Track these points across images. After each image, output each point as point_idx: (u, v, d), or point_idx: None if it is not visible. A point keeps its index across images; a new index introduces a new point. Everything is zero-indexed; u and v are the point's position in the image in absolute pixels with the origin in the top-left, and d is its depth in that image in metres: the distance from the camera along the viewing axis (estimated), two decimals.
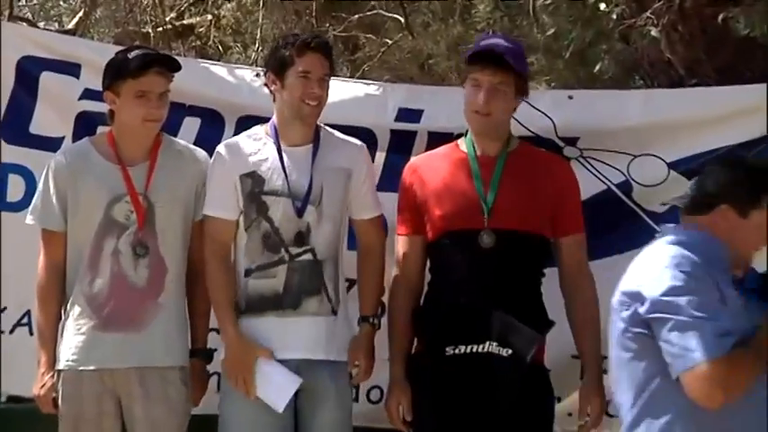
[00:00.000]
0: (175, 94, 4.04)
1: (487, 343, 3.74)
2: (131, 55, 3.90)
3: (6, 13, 8.48)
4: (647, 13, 5.68)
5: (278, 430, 3.84)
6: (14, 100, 4.43)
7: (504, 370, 3.74)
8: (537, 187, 3.90)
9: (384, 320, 4.03)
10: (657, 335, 2.97)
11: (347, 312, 3.98)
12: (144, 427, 3.87)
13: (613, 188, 4.44)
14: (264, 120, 4.04)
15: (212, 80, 4.56)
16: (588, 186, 4.30)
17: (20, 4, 10.29)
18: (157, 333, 3.88)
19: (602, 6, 6.01)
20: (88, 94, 4.39)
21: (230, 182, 3.91)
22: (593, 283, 3.95)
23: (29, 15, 10.67)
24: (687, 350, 2.89)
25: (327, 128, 4.02)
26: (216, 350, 4.01)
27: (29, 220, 4.02)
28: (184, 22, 10.39)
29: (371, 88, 4.64)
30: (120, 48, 4.19)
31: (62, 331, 3.93)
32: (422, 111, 4.48)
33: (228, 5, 10.20)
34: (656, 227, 4.33)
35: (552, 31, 6.58)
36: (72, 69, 4.46)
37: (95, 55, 4.40)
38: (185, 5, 10.45)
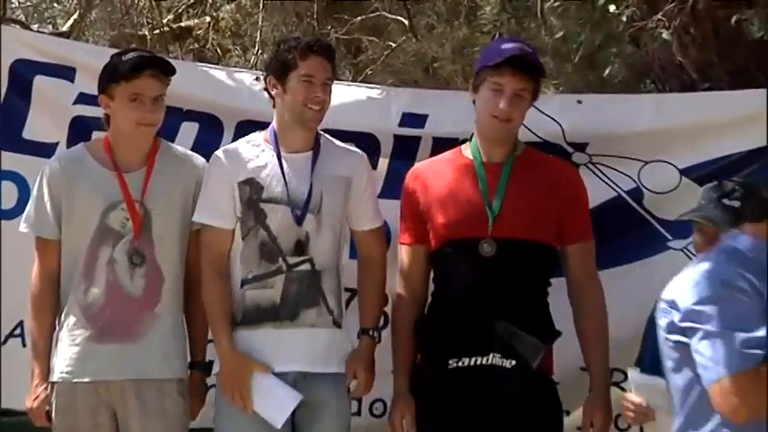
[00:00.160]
0: (173, 99, 4.00)
1: (491, 355, 3.71)
2: (125, 57, 3.87)
3: None
4: (659, 15, 5.69)
5: None
6: (7, 104, 4.38)
7: (508, 382, 3.71)
8: (544, 194, 3.86)
9: (387, 332, 4.01)
10: (690, 344, 2.94)
11: (347, 324, 3.93)
12: None
13: (624, 195, 4.42)
14: (264, 125, 4.00)
15: (211, 84, 4.53)
16: (597, 193, 4.27)
17: (12, 5, 10.31)
18: (154, 344, 3.84)
19: (612, 8, 6.03)
20: (83, 99, 4.35)
21: (228, 189, 3.86)
22: (601, 292, 3.92)
23: (22, 17, 10.65)
24: (714, 362, 2.85)
25: (327, 136, 3.98)
26: (213, 362, 3.96)
27: (22, 227, 3.97)
28: (182, 24, 10.38)
29: (374, 92, 4.62)
30: (116, 51, 4.15)
31: (56, 342, 3.88)
32: (426, 115, 4.45)
33: (227, 7, 10.23)
34: (667, 235, 4.32)
35: (561, 33, 6.67)
36: (66, 73, 4.42)
37: (90, 58, 4.37)
38: (183, 7, 10.45)
